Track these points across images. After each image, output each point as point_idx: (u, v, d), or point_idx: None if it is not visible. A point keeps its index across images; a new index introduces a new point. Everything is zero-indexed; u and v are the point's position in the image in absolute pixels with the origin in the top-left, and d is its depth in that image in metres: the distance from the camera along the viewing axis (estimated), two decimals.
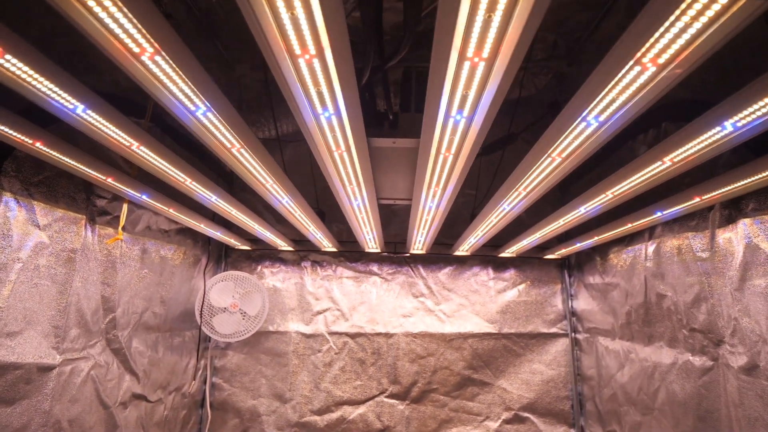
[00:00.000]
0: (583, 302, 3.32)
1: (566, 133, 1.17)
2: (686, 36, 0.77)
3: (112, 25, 0.82)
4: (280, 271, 3.65)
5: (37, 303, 1.82)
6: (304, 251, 3.62)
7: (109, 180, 1.81)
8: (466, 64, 0.89)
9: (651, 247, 2.34)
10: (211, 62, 2.65)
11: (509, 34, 0.79)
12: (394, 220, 3.43)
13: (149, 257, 2.64)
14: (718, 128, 1.10)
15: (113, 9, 0.78)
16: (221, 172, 3.31)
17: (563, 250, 3.04)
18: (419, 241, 2.96)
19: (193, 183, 1.81)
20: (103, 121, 1.23)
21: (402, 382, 3.40)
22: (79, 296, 2.07)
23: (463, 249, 3.18)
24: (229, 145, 1.38)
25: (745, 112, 1.01)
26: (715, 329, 1.85)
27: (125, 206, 2.14)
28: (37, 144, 1.43)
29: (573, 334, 3.43)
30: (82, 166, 1.66)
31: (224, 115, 1.18)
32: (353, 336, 3.48)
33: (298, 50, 0.87)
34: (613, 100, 1.01)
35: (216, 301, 3.12)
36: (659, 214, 1.95)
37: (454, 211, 3.44)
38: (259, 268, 3.65)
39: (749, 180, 1.40)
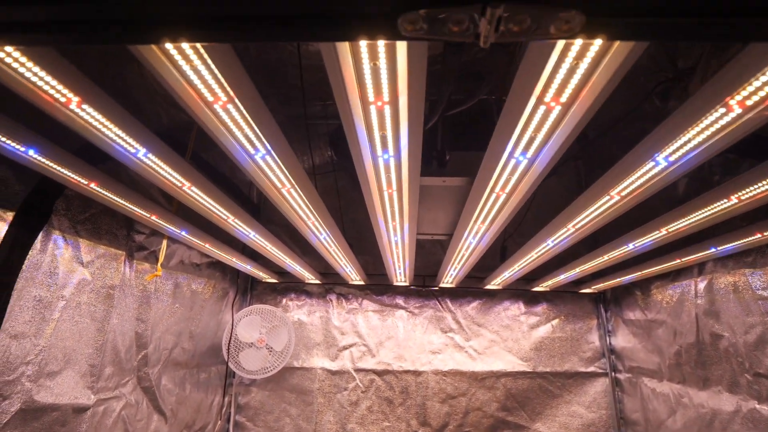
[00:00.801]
0: (623, 339, 3.16)
1: (632, 173, 1.14)
2: None
3: (192, 76, 0.83)
4: (305, 304, 3.60)
5: (77, 341, 1.81)
6: (329, 284, 3.57)
7: (153, 217, 1.82)
8: (541, 108, 0.88)
9: (702, 284, 2.23)
10: None
11: (594, 81, 0.77)
12: (420, 252, 3.37)
13: (181, 291, 2.63)
14: None
15: (197, 62, 0.79)
16: (249, 204, 3.34)
17: (600, 285, 2.93)
18: (450, 275, 2.89)
19: (235, 220, 1.81)
20: (162, 165, 1.25)
21: (432, 424, 3.25)
22: (115, 333, 2.05)
23: (495, 283, 3.10)
24: (279, 185, 1.38)
25: None
26: None
27: (165, 242, 2.15)
28: (92, 185, 1.46)
29: (613, 374, 3.26)
30: (129, 204, 1.68)
31: (282, 158, 1.18)
32: (380, 373, 3.37)
33: (371, 97, 0.87)
34: (688, 141, 0.97)
35: (243, 336, 3.07)
36: (713, 250, 1.87)
37: None
38: (284, 300, 3.61)
39: None
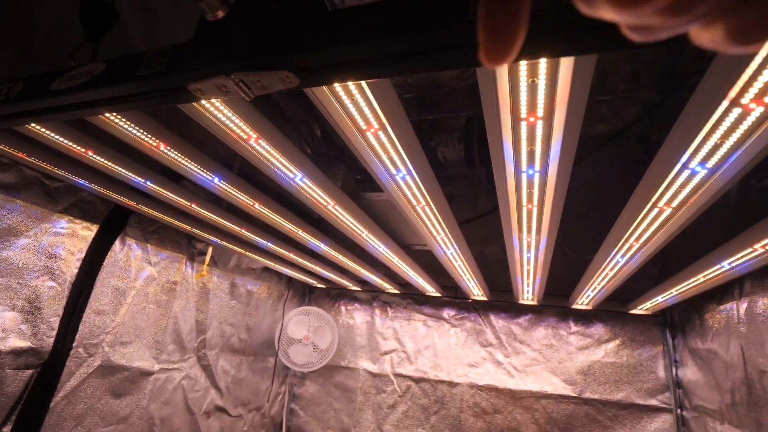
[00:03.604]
0: (690, 372, 2.71)
1: None
2: None
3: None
4: (355, 309, 3.91)
5: (145, 321, 2.42)
6: (374, 292, 3.83)
7: (193, 230, 2.34)
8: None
9: (742, 307, 1.88)
10: None
11: None
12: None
13: (238, 290, 3.19)
14: None
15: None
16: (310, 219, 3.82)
17: (647, 304, 2.59)
18: (473, 287, 2.89)
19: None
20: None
21: None
22: (177, 319, 2.65)
23: (527, 298, 2.97)
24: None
25: None
26: None
27: (210, 249, 2.70)
28: (140, 206, 2.01)
29: (679, 411, 2.79)
30: (179, 222, 2.21)
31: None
32: (417, 380, 3.47)
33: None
34: None
35: (292, 332, 3.52)
36: (725, 266, 1.61)
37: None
38: (337, 305, 3.98)
39: None
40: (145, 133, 1.23)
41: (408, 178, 1.28)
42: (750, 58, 0.67)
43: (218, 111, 1.06)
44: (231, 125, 1.11)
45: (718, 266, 1.61)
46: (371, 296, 3.88)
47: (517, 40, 0.23)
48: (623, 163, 3.06)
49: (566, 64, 0.72)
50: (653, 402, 2.88)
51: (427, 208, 1.52)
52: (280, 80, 0.80)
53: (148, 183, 1.65)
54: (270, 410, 3.52)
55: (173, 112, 1.12)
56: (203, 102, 1.02)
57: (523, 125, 0.91)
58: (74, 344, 2.02)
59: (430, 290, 3.26)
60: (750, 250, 1.39)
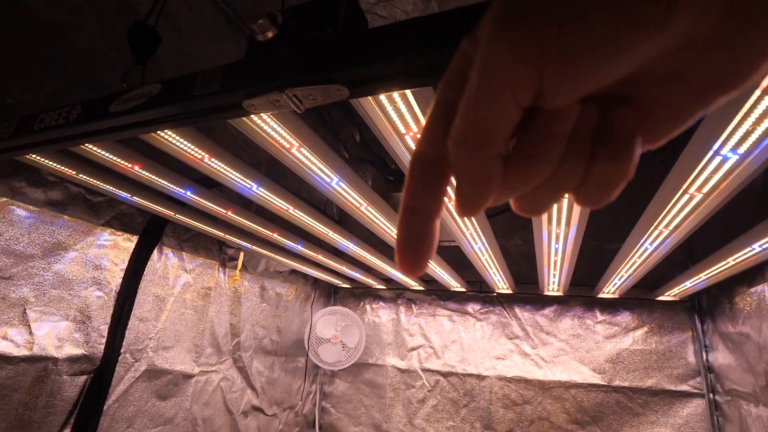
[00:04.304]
0: (721, 356, 2.70)
1: None
2: None
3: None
4: (380, 307, 3.98)
5: (184, 326, 2.52)
6: (398, 290, 3.89)
7: (225, 235, 2.43)
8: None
9: None
10: None
11: None
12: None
13: (267, 293, 3.28)
14: None
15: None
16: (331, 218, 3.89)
17: (674, 290, 2.60)
18: (498, 281, 2.93)
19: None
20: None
21: (497, 429, 3.25)
22: (213, 323, 2.75)
23: (553, 289, 2.99)
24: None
25: None
26: None
27: (242, 254, 2.79)
28: (178, 215, 2.10)
29: (711, 396, 2.79)
30: (212, 229, 2.30)
31: None
32: (445, 375, 3.52)
33: None
34: None
35: (321, 332, 3.60)
36: (756, 249, 1.62)
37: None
38: (362, 304, 4.05)
39: None
40: (192, 146, 1.31)
41: None
42: None
43: (264, 123, 1.13)
44: (275, 135, 1.17)
45: (749, 249, 1.63)
46: (395, 294, 3.93)
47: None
48: (643, 154, 3.06)
49: None
50: (685, 387, 2.87)
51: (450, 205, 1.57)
52: (331, 93, 0.86)
53: (188, 193, 1.74)
54: (303, 409, 3.61)
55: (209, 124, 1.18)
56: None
57: None
58: (122, 350, 2.12)
59: (455, 285, 3.30)
60: None
